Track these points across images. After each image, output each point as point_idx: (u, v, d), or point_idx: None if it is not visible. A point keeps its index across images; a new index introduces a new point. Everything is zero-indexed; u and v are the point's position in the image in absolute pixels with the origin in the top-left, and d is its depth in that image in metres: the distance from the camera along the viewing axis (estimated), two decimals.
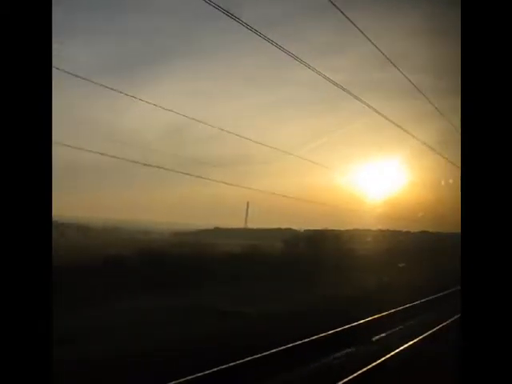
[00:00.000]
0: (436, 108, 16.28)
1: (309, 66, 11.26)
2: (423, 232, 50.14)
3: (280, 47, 10.04)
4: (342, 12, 9.51)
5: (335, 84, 12.68)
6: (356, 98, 13.91)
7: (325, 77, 12.16)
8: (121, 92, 14.07)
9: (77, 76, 11.29)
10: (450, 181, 25.93)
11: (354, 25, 10.24)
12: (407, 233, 51.39)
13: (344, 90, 13.16)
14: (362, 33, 10.71)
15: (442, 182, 26.44)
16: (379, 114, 15.64)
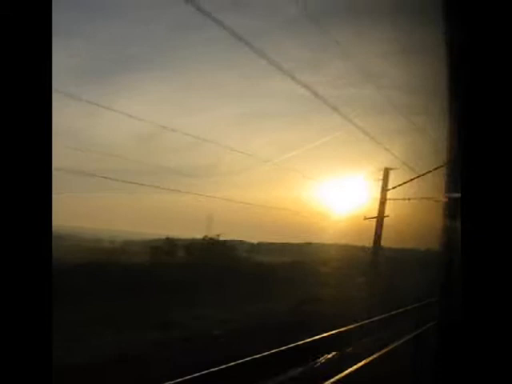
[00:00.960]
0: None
1: (292, 77, 11.28)
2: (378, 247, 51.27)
3: (265, 55, 9.99)
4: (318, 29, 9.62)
5: (316, 95, 12.81)
6: (335, 109, 14.13)
7: (306, 87, 12.25)
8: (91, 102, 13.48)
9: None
10: (409, 199, 26.70)
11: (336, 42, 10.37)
12: (363, 247, 52.44)
13: (325, 102, 13.30)
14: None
15: (407, 199, 27.15)
16: (355, 125, 15.98)
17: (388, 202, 28.13)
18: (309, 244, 45.99)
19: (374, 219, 28.15)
